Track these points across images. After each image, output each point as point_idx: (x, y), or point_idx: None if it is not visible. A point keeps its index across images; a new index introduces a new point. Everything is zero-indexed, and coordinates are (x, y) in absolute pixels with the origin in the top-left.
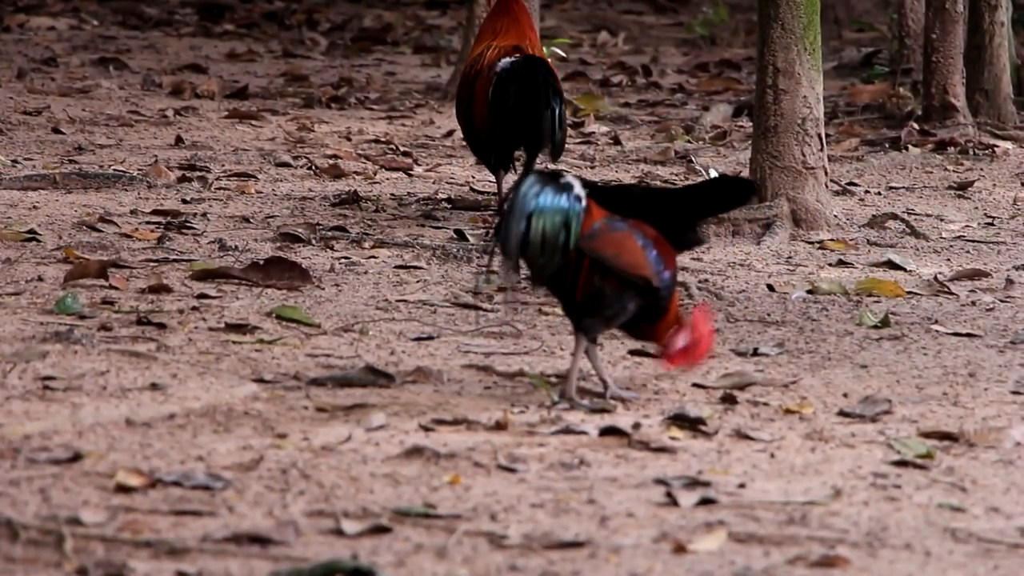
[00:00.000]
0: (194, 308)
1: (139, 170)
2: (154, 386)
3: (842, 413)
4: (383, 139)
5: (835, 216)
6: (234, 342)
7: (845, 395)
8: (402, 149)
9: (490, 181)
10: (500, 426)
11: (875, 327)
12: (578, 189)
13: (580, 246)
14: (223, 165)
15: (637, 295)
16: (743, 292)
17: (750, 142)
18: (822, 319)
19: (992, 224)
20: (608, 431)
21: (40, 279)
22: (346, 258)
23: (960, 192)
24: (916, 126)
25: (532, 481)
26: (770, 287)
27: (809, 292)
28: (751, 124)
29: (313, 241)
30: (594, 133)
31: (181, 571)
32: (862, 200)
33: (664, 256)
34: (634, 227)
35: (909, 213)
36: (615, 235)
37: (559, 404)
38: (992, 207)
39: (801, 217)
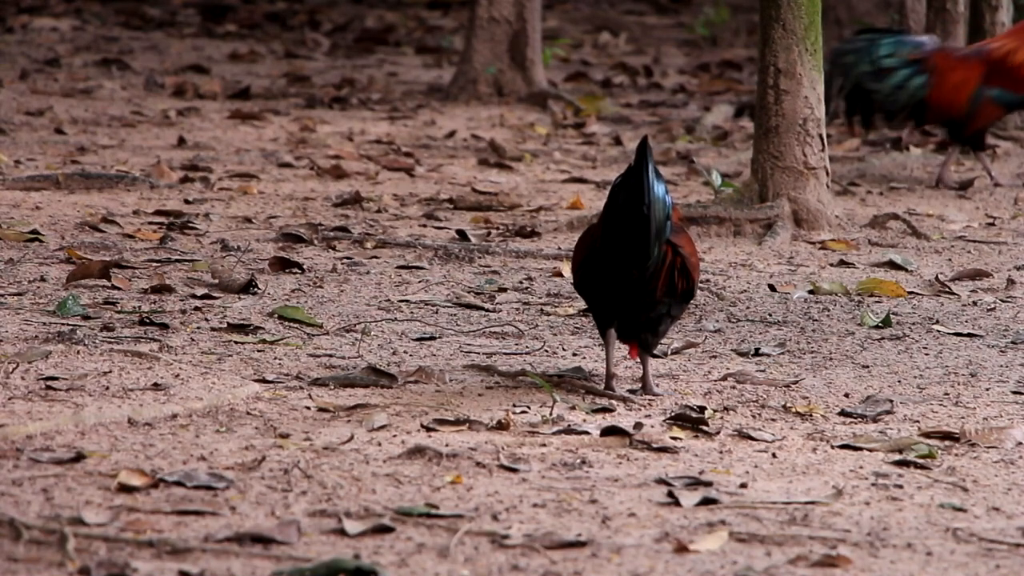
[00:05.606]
0: (196, 308)
1: (141, 170)
2: (156, 386)
3: (844, 413)
4: (385, 139)
5: (836, 216)
6: (236, 342)
7: (847, 395)
8: (404, 149)
9: (492, 181)
10: (502, 426)
11: (876, 327)
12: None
13: (671, 240)
14: (225, 165)
15: (680, 301)
16: (744, 292)
17: (751, 142)
18: (823, 319)
19: (993, 224)
20: (610, 431)
21: (43, 279)
22: (348, 258)
23: (961, 192)
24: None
25: (534, 481)
26: (771, 287)
27: (810, 292)
28: (752, 124)
29: (315, 241)
30: (595, 133)
31: (183, 571)
32: (863, 200)
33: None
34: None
35: (910, 213)
36: (687, 236)
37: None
38: (993, 207)
39: (802, 217)
